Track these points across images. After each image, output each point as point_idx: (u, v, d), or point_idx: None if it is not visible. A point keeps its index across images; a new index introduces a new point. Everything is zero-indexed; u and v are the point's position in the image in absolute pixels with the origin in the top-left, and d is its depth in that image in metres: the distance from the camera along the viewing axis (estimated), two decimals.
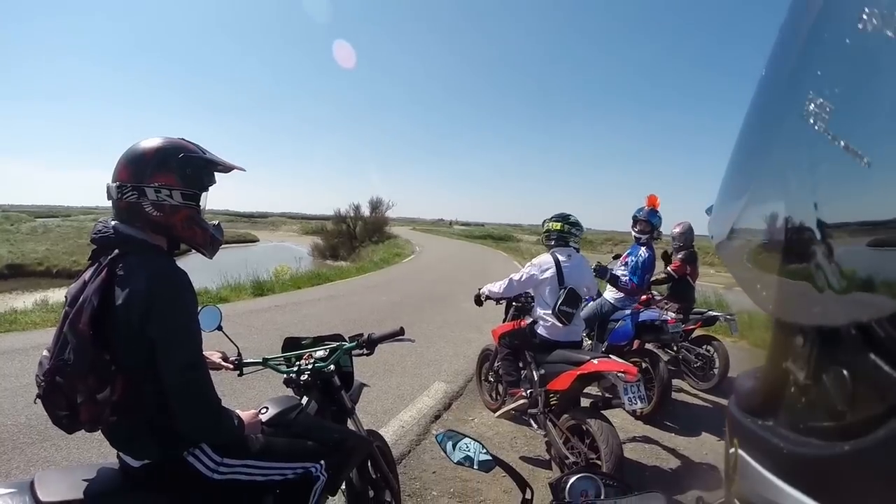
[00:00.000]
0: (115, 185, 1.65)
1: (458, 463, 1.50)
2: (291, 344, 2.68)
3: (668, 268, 6.30)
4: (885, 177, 0.39)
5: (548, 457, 4.02)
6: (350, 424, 2.70)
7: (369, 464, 2.80)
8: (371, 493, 2.79)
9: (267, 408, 2.20)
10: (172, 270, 1.65)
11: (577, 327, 4.15)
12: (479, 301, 4.63)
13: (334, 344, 2.62)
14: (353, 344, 2.62)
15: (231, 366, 2.42)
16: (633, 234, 5.69)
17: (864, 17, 0.40)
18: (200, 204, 1.77)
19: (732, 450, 0.62)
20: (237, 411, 1.85)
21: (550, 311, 4.04)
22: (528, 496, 1.39)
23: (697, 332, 6.33)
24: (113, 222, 1.68)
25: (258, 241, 64.96)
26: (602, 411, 3.65)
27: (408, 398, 5.34)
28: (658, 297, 6.45)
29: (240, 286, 12.52)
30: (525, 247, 37.03)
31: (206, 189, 1.79)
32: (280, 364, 2.57)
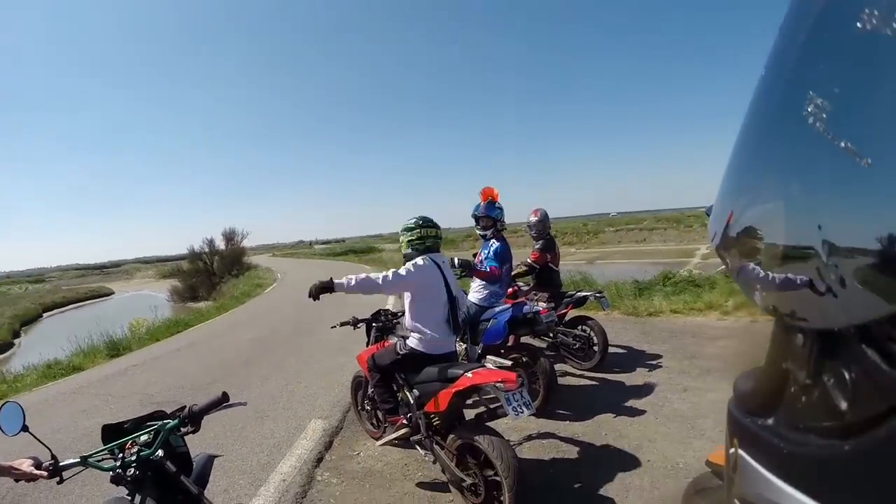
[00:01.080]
0: None
1: None
2: (113, 431, 2.27)
3: (528, 259, 6.38)
4: (884, 176, 0.39)
5: (445, 480, 3.73)
6: None
7: None
8: None
9: None
10: None
11: (451, 339, 3.85)
12: (353, 323, 4.24)
13: (157, 424, 2.24)
14: (176, 421, 2.24)
15: (45, 473, 2.00)
16: (478, 233, 5.65)
17: (864, 17, 0.40)
18: None
19: (732, 450, 0.62)
20: None
21: (426, 324, 3.71)
22: None
23: (571, 315, 6.40)
24: None
25: (113, 293, 60.46)
26: (488, 423, 3.42)
27: (285, 446, 4.83)
28: (525, 288, 6.49)
29: (94, 349, 11.53)
30: (388, 256, 36.94)
31: None
32: (103, 459, 2.16)
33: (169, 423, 2.24)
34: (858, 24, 0.41)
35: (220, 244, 46.67)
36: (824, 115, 0.44)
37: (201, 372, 7.92)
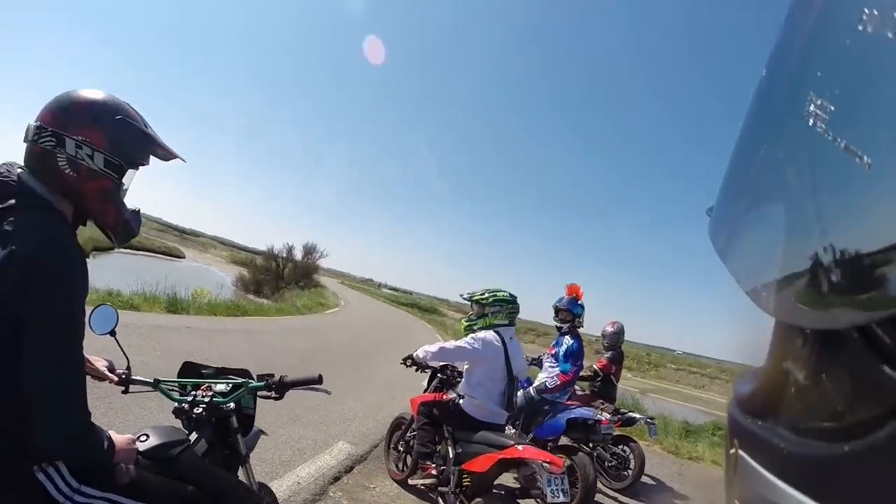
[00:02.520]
0: (35, 124, 1.39)
1: None
2: (190, 370, 2.33)
3: (595, 365, 6.42)
4: (885, 177, 0.38)
5: None
6: (241, 474, 2.36)
7: None
8: None
9: (147, 436, 1.82)
10: (70, 243, 1.38)
11: (503, 412, 3.95)
12: (409, 362, 4.33)
13: (239, 380, 2.27)
14: (262, 384, 2.28)
15: (116, 378, 2.03)
16: (556, 324, 5.69)
17: (864, 17, 0.40)
18: (123, 180, 1.52)
19: (732, 450, 0.62)
20: (110, 432, 1.50)
21: (482, 391, 3.85)
22: None
23: (616, 432, 6.23)
24: (18, 169, 1.41)
25: (184, 258, 62.57)
26: (518, 500, 3.40)
27: (308, 453, 4.90)
28: (579, 392, 6.42)
29: (154, 298, 11.78)
30: (450, 322, 37.01)
31: (135, 166, 1.54)
32: (173, 390, 2.21)
33: (253, 382, 2.28)
34: (859, 25, 0.40)
35: (298, 254, 48.05)
36: (825, 116, 0.44)
37: (248, 360, 7.99)
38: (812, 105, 0.45)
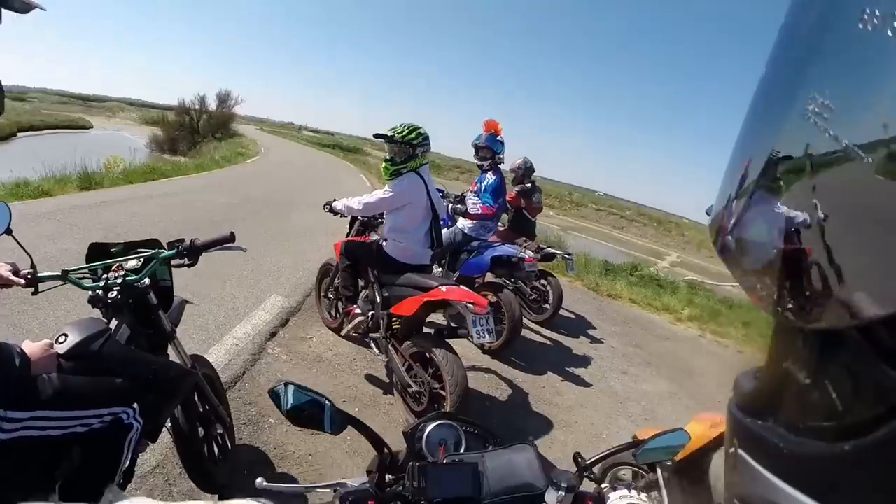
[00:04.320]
0: None
1: (299, 422, 1.24)
2: (98, 252, 2.17)
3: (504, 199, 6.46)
4: (885, 177, 0.38)
5: (389, 382, 3.93)
6: (171, 352, 2.33)
7: (195, 396, 2.45)
8: (200, 431, 2.46)
9: (66, 335, 1.73)
10: None
11: (427, 252, 3.99)
12: (329, 210, 4.24)
13: (149, 252, 2.16)
14: (173, 252, 2.19)
15: (23, 281, 1.90)
16: (476, 162, 5.67)
17: (865, 17, 0.40)
18: None
19: (732, 450, 0.62)
20: (22, 345, 1.44)
21: (405, 233, 3.85)
22: (384, 455, 1.19)
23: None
24: None
25: (91, 127, 57.73)
26: (447, 340, 3.58)
27: (242, 312, 4.93)
28: (500, 228, 6.59)
29: (65, 178, 11.05)
30: (373, 161, 36.28)
31: None
32: (84, 277, 2.07)
33: (164, 252, 2.18)
34: (859, 25, 0.40)
35: (212, 104, 45.31)
36: (825, 116, 0.44)
37: (169, 223, 7.86)
38: (812, 105, 0.46)
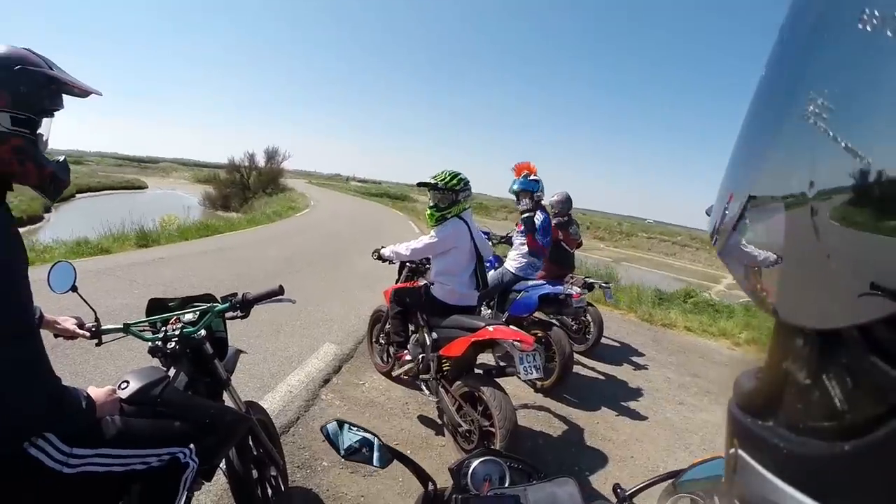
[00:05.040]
0: None
1: (349, 457, 1.30)
2: (157, 306, 2.33)
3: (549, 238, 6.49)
4: (885, 177, 0.38)
5: (440, 423, 3.95)
6: (226, 398, 2.44)
7: (250, 440, 2.56)
8: (254, 473, 2.56)
9: (127, 382, 1.86)
10: None
11: (474, 293, 4.05)
12: (377, 257, 4.41)
13: (205, 306, 2.31)
14: (227, 305, 2.32)
15: (87, 333, 2.06)
16: (520, 208, 5.68)
17: (865, 17, 0.39)
18: (40, 132, 1.42)
19: (732, 450, 0.60)
20: (88, 390, 1.54)
21: (451, 276, 3.93)
22: (430, 489, 1.23)
23: None
24: None
25: (146, 187, 60.95)
26: (496, 379, 3.60)
27: (296, 360, 5.07)
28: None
29: (123, 236, 11.62)
30: (421, 207, 36.76)
31: (48, 114, 1.44)
32: (144, 330, 2.23)
33: (218, 305, 2.31)
34: (859, 25, 0.40)
35: (260, 161, 47.15)
36: (825, 116, 0.43)
37: (225, 277, 8.14)
38: (812, 105, 0.45)
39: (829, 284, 0.45)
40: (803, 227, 0.47)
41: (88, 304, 2.03)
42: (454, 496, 1.19)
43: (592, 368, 6.11)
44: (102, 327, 2.09)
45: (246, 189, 43.36)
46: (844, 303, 0.43)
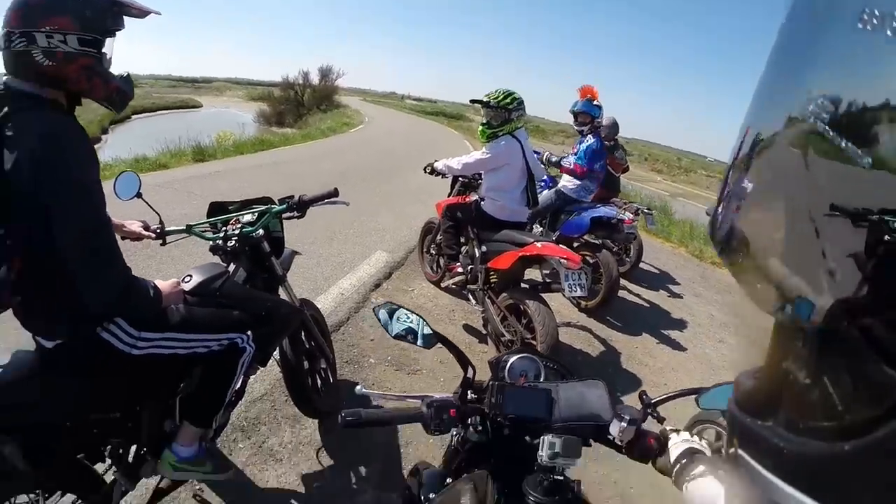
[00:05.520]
0: (2, 31, 1.41)
1: (398, 337, 1.40)
2: (218, 208, 2.48)
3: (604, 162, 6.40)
4: (885, 177, 0.39)
5: (484, 332, 4.10)
6: (281, 293, 2.61)
7: (303, 334, 2.75)
8: (305, 364, 2.74)
9: (190, 276, 2.03)
10: (67, 126, 1.46)
11: (524, 210, 4.09)
12: (430, 171, 4.51)
13: (263, 207, 2.46)
14: (283, 206, 2.47)
15: (153, 235, 2.22)
16: (576, 129, 5.70)
17: (865, 17, 0.40)
18: (104, 51, 1.53)
19: (732, 450, 0.62)
20: (155, 281, 1.69)
21: (502, 192, 3.97)
22: (468, 374, 1.34)
23: None
24: (4, 77, 1.46)
25: (201, 106, 60.89)
26: (541, 294, 3.68)
27: (348, 266, 5.27)
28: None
29: (180, 152, 11.85)
30: (476, 127, 36.00)
31: (110, 34, 1.54)
32: (205, 230, 2.39)
33: (276, 206, 2.47)
34: (859, 25, 0.40)
35: (315, 79, 46.88)
36: (825, 115, 0.44)
37: (279, 189, 8.07)
38: (812, 104, 0.45)
39: (830, 285, 0.45)
40: (803, 228, 0.47)
41: (153, 209, 2.15)
42: (492, 383, 1.28)
43: (638, 295, 6.13)
44: (167, 229, 2.22)
45: (300, 106, 43.30)
46: (844, 302, 0.44)
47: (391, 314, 1.42)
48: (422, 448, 2.92)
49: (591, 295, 4.73)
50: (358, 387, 1.40)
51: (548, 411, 1.19)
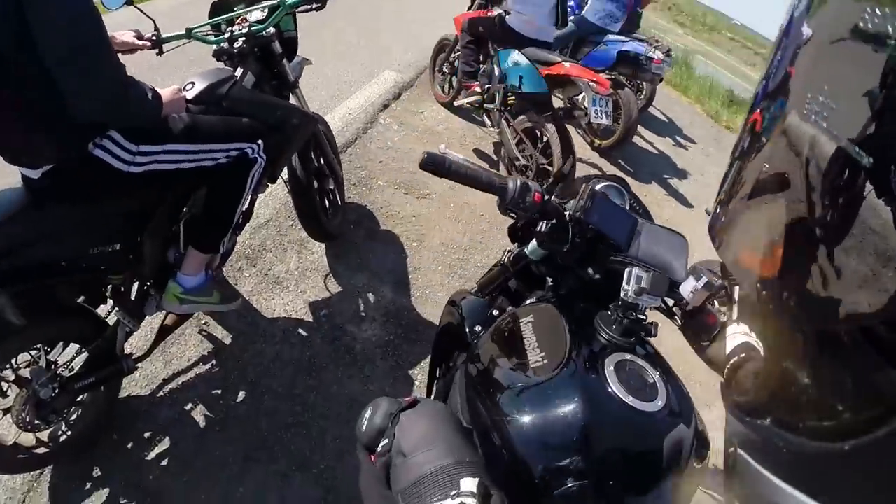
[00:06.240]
0: None
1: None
2: (221, 7, 2.16)
3: None
4: (885, 176, 0.38)
5: (496, 158, 3.99)
6: (293, 100, 2.39)
7: (311, 151, 2.56)
8: (314, 184, 2.60)
9: (193, 83, 1.79)
10: None
11: (552, 28, 3.81)
12: None
13: (274, 1, 2.11)
14: None
15: (148, 44, 1.90)
16: None
17: (865, 17, 0.40)
18: None
19: (732, 449, 0.61)
20: (153, 87, 1.45)
21: (531, 5, 3.65)
22: (565, 168, 1.19)
23: None
24: None
25: None
26: (563, 119, 3.52)
27: (356, 85, 4.99)
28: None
29: None
30: None
31: None
32: (208, 33, 2.09)
33: None
34: (860, 25, 0.40)
35: None
36: (826, 114, 0.43)
37: None
38: (813, 104, 0.45)
39: (830, 285, 0.44)
40: (803, 227, 0.47)
41: (146, 14, 1.86)
42: (586, 184, 1.16)
43: (650, 142, 5.97)
44: (163, 35, 1.94)
45: None
46: (844, 303, 0.43)
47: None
48: (430, 275, 2.92)
49: (605, 133, 4.56)
50: (442, 146, 1.24)
51: (626, 241, 1.09)
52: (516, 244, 1.29)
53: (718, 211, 0.70)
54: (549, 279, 1.23)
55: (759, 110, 0.62)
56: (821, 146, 0.45)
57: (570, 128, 3.75)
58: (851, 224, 0.43)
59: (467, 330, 1.31)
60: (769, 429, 0.55)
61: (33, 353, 1.62)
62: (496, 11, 3.98)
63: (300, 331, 2.44)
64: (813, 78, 0.49)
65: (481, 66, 4.11)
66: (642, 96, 5.98)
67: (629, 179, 4.74)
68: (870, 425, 0.41)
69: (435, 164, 1.05)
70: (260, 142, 1.84)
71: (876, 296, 0.41)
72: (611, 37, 5.07)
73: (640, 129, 5.96)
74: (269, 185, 2.26)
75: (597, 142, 4.90)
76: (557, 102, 4.03)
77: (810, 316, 0.50)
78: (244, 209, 1.99)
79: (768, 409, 0.58)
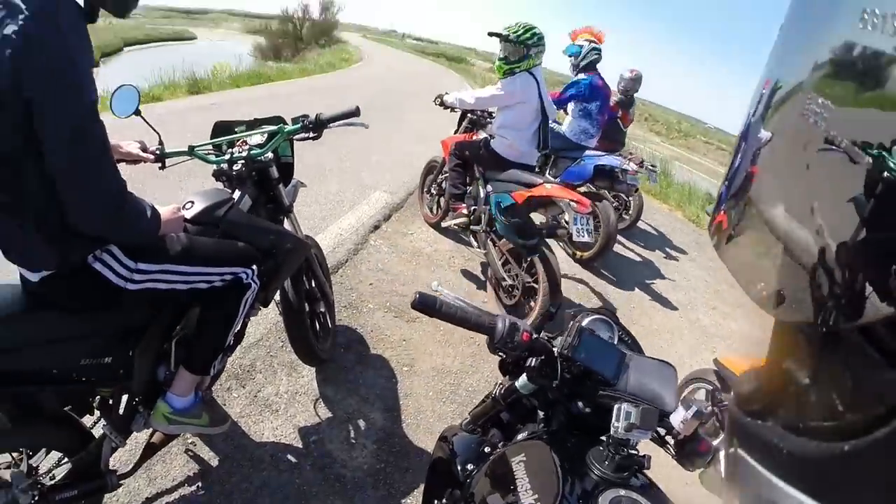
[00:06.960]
0: None
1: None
2: (223, 129, 2.26)
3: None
4: (884, 176, 0.38)
5: (483, 279, 4.07)
6: (287, 225, 2.45)
7: (303, 274, 2.61)
8: (306, 307, 2.62)
9: (192, 202, 1.86)
10: (58, 6, 1.21)
11: (534, 152, 3.99)
12: (440, 103, 4.34)
13: (273, 127, 2.22)
14: (297, 126, 2.24)
15: (151, 157, 1.99)
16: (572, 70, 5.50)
17: (865, 17, 0.40)
18: None
19: (732, 450, 0.63)
20: (153, 204, 1.51)
21: (514, 131, 3.86)
22: (552, 309, 1.25)
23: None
24: None
25: (196, 39, 58.19)
26: (545, 239, 3.62)
27: (347, 206, 5.16)
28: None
29: (174, 84, 11.33)
30: (478, 72, 35.14)
31: None
32: (209, 153, 2.18)
33: (288, 126, 2.24)
34: (859, 25, 0.40)
35: (315, 12, 45.71)
36: (825, 115, 0.44)
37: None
38: (813, 104, 0.46)
39: (830, 286, 0.45)
40: (803, 228, 0.48)
41: (153, 128, 1.95)
42: (574, 322, 1.21)
43: (632, 251, 6.12)
44: (167, 150, 2.02)
45: (299, 40, 42.33)
46: (844, 303, 0.44)
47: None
48: (421, 400, 2.90)
49: (586, 245, 4.71)
50: (435, 283, 1.28)
51: (615, 375, 1.11)
52: (507, 377, 1.30)
53: (717, 211, 0.72)
54: (541, 412, 1.24)
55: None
56: (820, 146, 0.46)
57: (552, 241, 3.85)
58: (852, 223, 0.43)
59: (458, 468, 1.32)
60: (769, 429, 0.56)
61: (15, 455, 1.58)
62: (481, 135, 4.21)
63: (289, 456, 2.38)
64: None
65: (468, 188, 4.26)
66: (629, 214, 6.23)
67: (614, 289, 4.88)
68: (870, 426, 0.41)
69: (425, 305, 1.12)
70: (254, 267, 1.86)
71: (876, 296, 0.41)
72: (588, 152, 5.34)
73: (623, 238, 6.16)
74: (262, 308, 2.26)
75: (578, 254, 5.03)
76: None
77: (811, 316, 0.50)
78: (236, 331, 1.98)
79: (768, 409, 0.60)
